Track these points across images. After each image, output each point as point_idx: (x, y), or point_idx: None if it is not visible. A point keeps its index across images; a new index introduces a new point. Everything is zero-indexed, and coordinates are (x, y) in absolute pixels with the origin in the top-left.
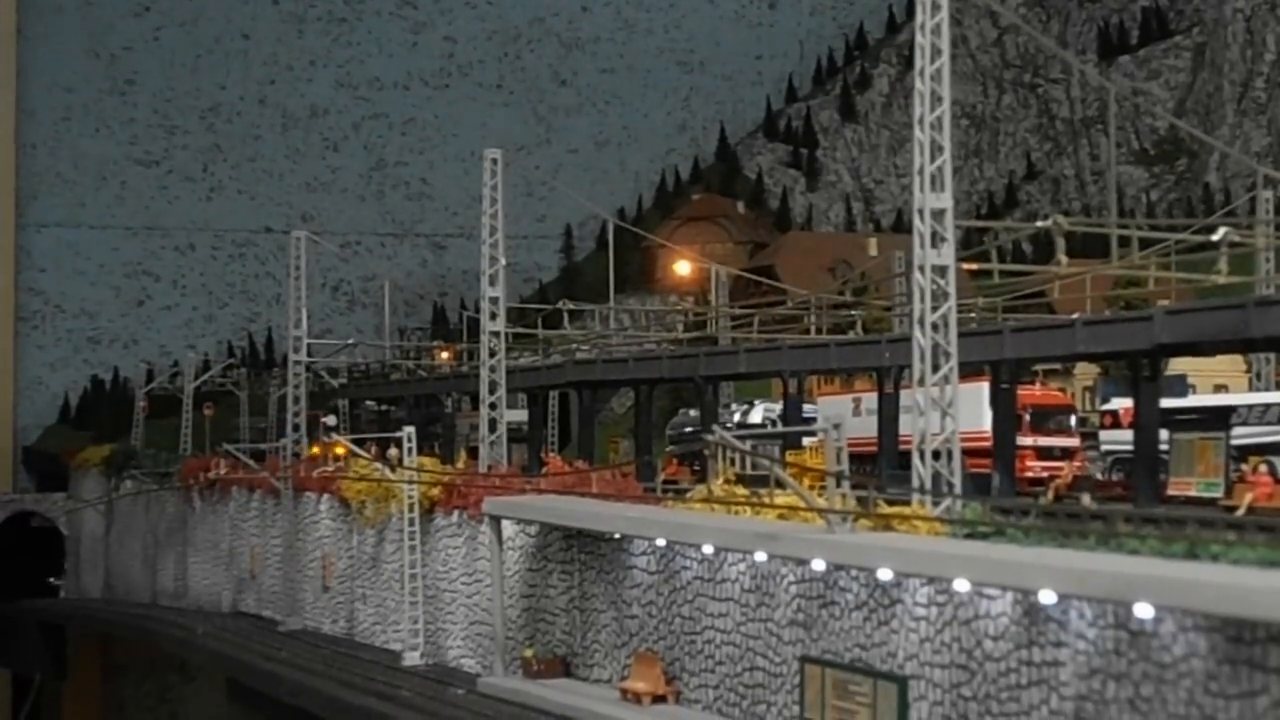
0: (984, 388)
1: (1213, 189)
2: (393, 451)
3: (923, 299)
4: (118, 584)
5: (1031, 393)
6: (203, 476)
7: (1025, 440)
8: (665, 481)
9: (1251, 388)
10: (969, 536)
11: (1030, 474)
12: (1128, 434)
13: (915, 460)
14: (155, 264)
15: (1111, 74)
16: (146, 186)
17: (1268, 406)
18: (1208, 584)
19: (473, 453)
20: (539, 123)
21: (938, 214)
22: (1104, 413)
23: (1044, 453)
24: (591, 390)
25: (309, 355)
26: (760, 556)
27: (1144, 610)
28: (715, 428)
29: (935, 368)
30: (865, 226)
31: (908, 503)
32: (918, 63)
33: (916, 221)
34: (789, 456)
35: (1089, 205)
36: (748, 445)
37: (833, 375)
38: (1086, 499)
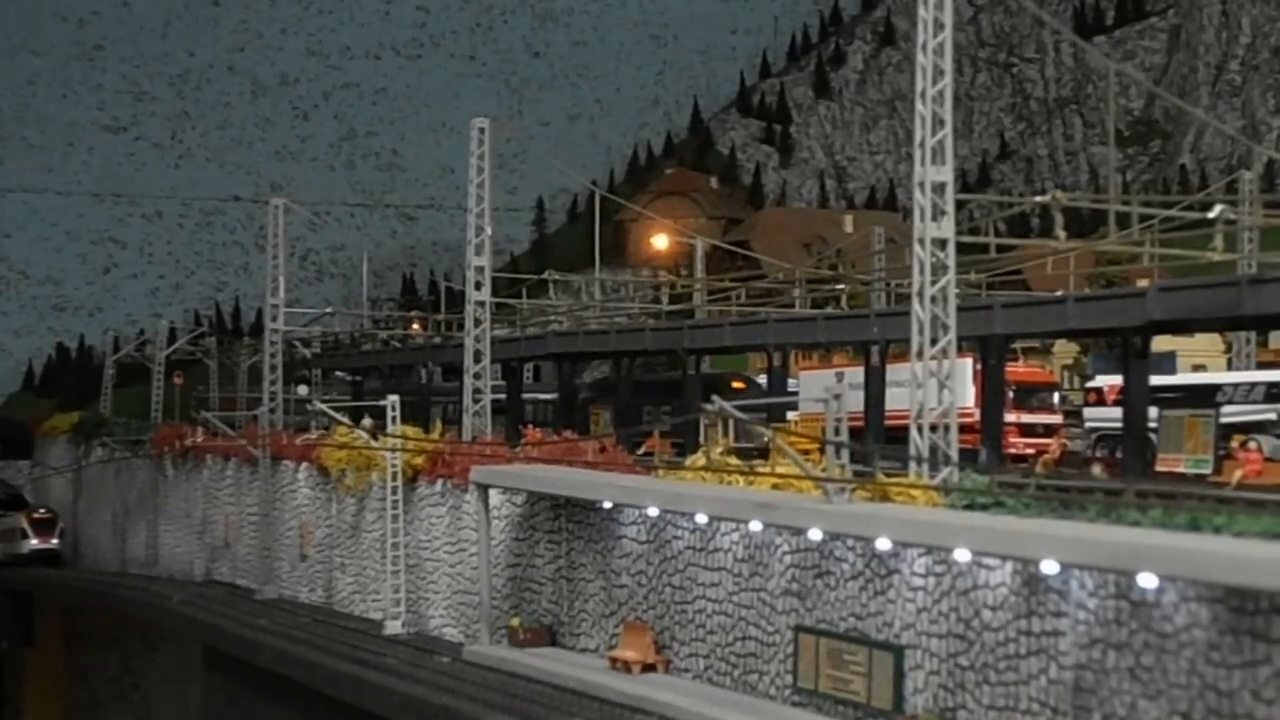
0: (967, 364)
1: (1188, 170)
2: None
3: (922, 272)
4: (86, 552)
5: (1015, 370)
6: (178, 444)
7: (1009, 417)
8: (646, 453)
9: (1230, 367)
10: (968, 507)
11: (1014, 450)
12: (1112, 411)
13: (913, 432)
14: (122, 231)
15: (1085, 56)
16: (114, 153)
17: (1253, 385)
18: (1211, 554)
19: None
20: (511, 94)
21: (938, 187)
22: (1088, 390)
23: (1027, 429)
24: (571, 362)
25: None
26: (755, 526)
27: (1147, 580)
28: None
29: (933, 341)
30: (838, 203)
31: (904, 474)
32: (920, 36)
33: (917, 194)
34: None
35: (1063, 185)
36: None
37: (814, 350)
38: (1097, 470)
